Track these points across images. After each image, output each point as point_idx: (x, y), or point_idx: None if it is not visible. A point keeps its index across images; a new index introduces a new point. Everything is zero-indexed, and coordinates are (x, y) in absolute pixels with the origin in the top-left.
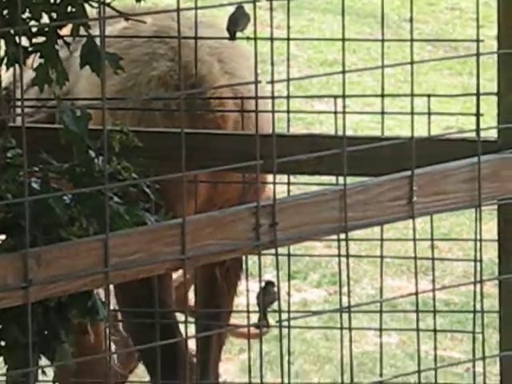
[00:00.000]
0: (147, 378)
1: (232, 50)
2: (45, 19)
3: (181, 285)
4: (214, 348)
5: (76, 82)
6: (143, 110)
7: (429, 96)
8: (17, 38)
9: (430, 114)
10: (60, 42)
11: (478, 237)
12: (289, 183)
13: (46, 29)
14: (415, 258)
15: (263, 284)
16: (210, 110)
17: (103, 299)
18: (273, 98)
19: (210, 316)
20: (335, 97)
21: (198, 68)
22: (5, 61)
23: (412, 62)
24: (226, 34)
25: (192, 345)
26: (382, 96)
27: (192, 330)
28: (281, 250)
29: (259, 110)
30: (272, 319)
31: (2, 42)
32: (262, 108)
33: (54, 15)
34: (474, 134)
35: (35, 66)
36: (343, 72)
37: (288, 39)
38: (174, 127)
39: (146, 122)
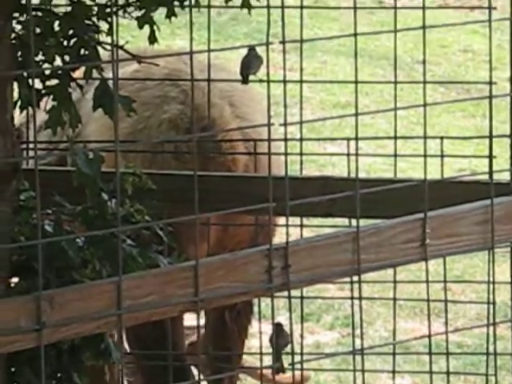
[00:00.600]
0: None
1: (243, 93)
2: (58, 62)
3: (194, 344)
4: None
5: (87, 123)
6: (155, 153)
7: (442, 138)
8: (30, 81)
9: (442, 156)
10: (73, 84)
11: (491, 279)
12: (301, 225)
13: (59, 71)
14: (428, 300)
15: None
16: (221, 152)
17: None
18: (285, 140)
19: (221, 359)
20: (348, 139)
21: (209, 111)
22: (18, 103)
23: (425, 104)
24: (238, 77)
25: None
26: (395, 138)
27: None
28: (293, 293)
29: (272, 153)
30: (285, 361)
31: (16, 84)
32: (274, 151)
33: (67, 58)
34: (486, 177)
35: (48, 108)
36: (356, 114)
37: (301, 81)
38: (185, 170)
39: (157, 165)
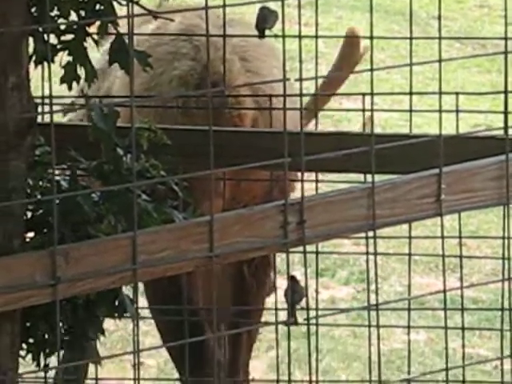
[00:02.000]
0: (176, 375)
1: (257, 48)
2: (73, 17)
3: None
4: (243, 346)
5: (113, 83)
6: (165, 108)
7: (457, 94)
8: (45, 36)
9: (458, 111)
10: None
11: (506, 234)
12: (317, 181)
13: (75, 26)
14: (443, 255)
15: (290, 280)
16: (234, 107)
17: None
18: (301, 95)
19: (240, 314)
20: (363, 94)
21: (218, 66)
22: (33, 58)
23: (440, 60)
24: (254, 32)
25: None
26: (411, 94)
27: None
28: (309, 248)
29: (287, 108)
30: (300, 317)
31: (31, 39)
32: (289, 106)
33: (83, 13)
34: (502, 132)
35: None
36: (371, 70)
37: (316, 37)
38: (193, 125)
39: (166, 121)
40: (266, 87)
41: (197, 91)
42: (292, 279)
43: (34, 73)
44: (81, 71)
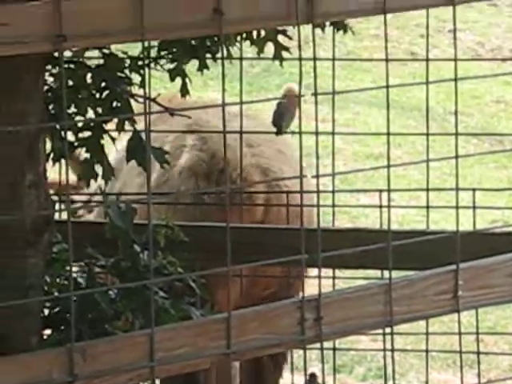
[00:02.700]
0: None
1: (270, 143)
2: (90, 114)
3: None
4: None
5: (124, 184)
6: (184, 204)
7: (474, 190)
8: (62, 133)
9: (475, 207)
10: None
11: None
12: (334, 277)
13: (92, 123)
14: (460, 351)
15: (308, 377)
16: (253, 203)
17: None
18: (318, 192)
19: None
20: (380, 191)
21: (241, 164)
22: (51, 156)
23: (457, 156)
24: (263, 125)
25: None
26: (428, 190)
27: None
28: (326, 344)
29: (304, 205)
30: None
31: (48, 136)
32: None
33: (100, 110)
34: None
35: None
36: (388, 166)
37: (333, 133)
38: (206, 219)
39: (178, 213)
40: (278, 183)
41: (216, 188)
42: (311, 376)
43: (52, 170)
44: (98, 168)
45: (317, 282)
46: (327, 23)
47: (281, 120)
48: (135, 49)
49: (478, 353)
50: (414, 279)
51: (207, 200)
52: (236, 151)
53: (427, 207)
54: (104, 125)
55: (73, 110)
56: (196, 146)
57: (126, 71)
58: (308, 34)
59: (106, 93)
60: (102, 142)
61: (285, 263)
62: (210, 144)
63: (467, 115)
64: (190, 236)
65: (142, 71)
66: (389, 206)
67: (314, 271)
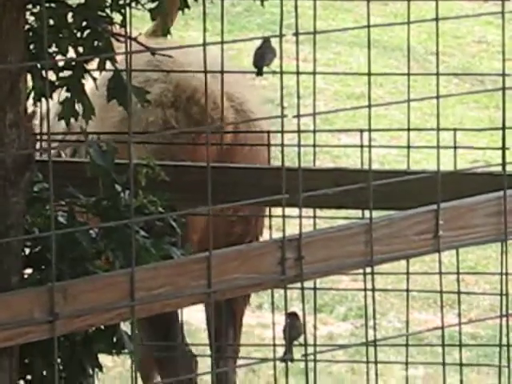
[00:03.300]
0: None
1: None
2: (71, 53)
3: None
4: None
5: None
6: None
7: (455, 130)
8: (43, 72)
9: (456, 147)
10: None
11: (504, 270)
12: (314, 217)
13: (73, 63)
14: (441, 291)
15: (288, 316)
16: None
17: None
18: (299, 131)
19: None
20: (361, 130)
21: (190, 81)
22: (32, 95)
23: (438, 96)
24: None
25: None
26: (408, 130)
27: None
28: (307, 284)
29: (286, 144)
30: (298, 353)
31: (29, 76)
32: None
33: (81, 49)
34: (500, 168)
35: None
36: (369, 106)
37: (314, 73)
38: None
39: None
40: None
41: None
42: (291, 315)
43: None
44: (79, 107)
45: (298, 222)
46: None
47: (262, 61)
48: None
49: (459, 292)
50: (395, 219)
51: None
52: (201, 79)
53: (408, 147)
54: (85, 64)
55: (54, 49)
56: (159, 79)
57: (107, 10)
58: None
59: (87, 32)
60: (83, 81)
61: (266, 203)
62: (172, 76)
63: (449, 55)
64: (170, 175)
65: (123, 10)
66: (370, 146)
67: (295, 211)
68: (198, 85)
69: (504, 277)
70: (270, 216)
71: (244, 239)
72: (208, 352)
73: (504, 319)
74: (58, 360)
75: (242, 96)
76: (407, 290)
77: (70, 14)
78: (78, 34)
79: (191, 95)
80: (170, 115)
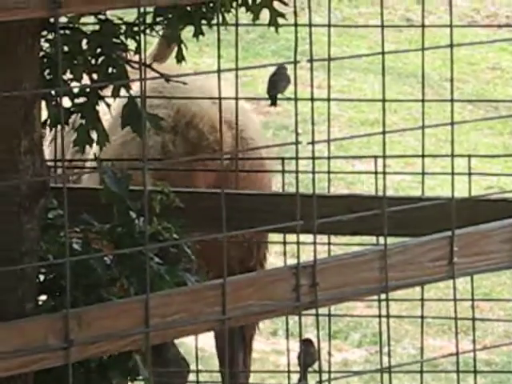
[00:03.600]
0: None
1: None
2: (86, 80)
3: None
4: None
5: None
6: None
7: (469, 156)
8: (58, 99)
9: (470, 174)
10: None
11: None
12: (329, 243)
13: (87, 89)
14: (456, 318)
15: (303, 343)
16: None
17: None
18: (313, 158)
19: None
20: (376, 157)
21: (189, 107)
22: (47, 122)
23: (452, 123)
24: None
25: None
26: (423, 156)
27: None
28: (321, 310)
29: (300, 171)
30: (312, 379)
31: (44, 103)
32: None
33: (95, 76)
34: None
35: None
36: (383, 132)
37: (329, 99)
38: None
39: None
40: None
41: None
42: (306, 342)
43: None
44: (93, 134)
45: (312, 248)
46: None
47: (274, 90)
48: (131, 15)
49: (474, 319)
50: (410, 245)
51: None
52: (201, 105)
53: (422, 173)
54: (99, 91)
55: (68, 76)
56: (162, 104)
57: (122, 37)
58: (304, 1)
59: (101, 59)
60: (97, 108)
61: (280, 230)
62: (174, 101)
63: (463, 82)
64: (185, 202)
65: (137, 37)
66: (384, 173)
67: (309, 237)
68: (197, 110)
69: None
70: (285, 243)
71: (246, 264)
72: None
73: None
74: None
75: (243, 124)
76: (422, 317)
77: (84, 41)
78: (93, 61)
79: (190, 120)
80: (169, 139)
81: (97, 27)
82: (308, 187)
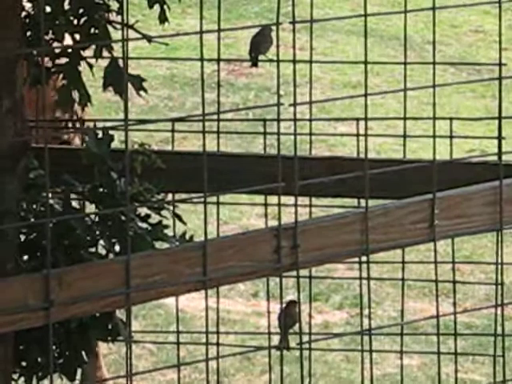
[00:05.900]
0: None
1: None
2: (68, 40)
3: None
4: None
5: None
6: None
7: (451, 119)
8: (39, 59)
9: (452, 137)
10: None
11: (500, 260)
12: (310, 205)
13: (69, 50)
14: (436, 280)
15: (285, 304)
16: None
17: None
18: (295, 120)
19: None
20: (358, 119)
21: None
22: (28, 81)
23: (435, 85)
24: None
25: None
26: (405, 119)
27: None
28: (302, 272)
29: (282, 133)
30: (293, 341)
31: (25, 62)
32: None
33: (77, 36)
34: (496, 158)
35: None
36: (366, 95)
37: (311, 61)
38: None
39: None
40: None
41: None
42: (290, 303)
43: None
44: (75, 95)
45: (293, 210)
46: None
47: (257, 51)
48: None
49: (454, 282)
50: (391, 208)
51: None
52: None
53: (404, 136)
54: (81, 51)
55: (50, 36)
56: None
57: None
58: None
59: (83, 19)
60: (80, 68)
61: (262, 191)
62: None
63: (445, 44)
64: (167, 163)
65: None
66: (366, 135)
67: (290, 199)
68: None
69: (499, 266)
70: (266, 204)
71: None
72: (203, 340)
73: (499, 309)
74: (53, 347)
75: None
76: (403, 279)
77: (66, 1)
78: (75, 21)
79: None
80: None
81: None
82: (290, 149)
